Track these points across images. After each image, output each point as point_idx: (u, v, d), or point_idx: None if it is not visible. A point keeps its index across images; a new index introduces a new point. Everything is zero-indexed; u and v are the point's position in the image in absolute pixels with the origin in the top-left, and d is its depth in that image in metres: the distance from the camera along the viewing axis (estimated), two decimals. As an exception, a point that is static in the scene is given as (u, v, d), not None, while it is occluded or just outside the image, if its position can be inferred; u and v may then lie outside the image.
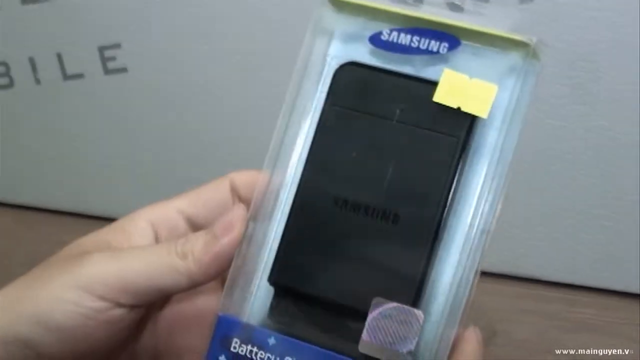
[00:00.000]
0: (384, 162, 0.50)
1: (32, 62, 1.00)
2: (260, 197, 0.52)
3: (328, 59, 0.52)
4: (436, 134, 0.49)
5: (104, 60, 0.97)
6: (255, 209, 0.52)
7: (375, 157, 0.50)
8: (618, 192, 0.85)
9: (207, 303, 0.56)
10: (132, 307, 0.51)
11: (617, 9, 0.79)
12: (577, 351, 0.82)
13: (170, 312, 0.57)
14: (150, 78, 0.96)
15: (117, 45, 0.96)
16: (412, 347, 0.48)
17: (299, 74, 0.51)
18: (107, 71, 0.97)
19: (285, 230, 0.51)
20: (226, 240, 0.51)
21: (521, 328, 0.85)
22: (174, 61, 0.95)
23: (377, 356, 0.48)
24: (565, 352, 0.83)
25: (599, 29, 0.80)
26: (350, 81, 0.51)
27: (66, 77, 0.99)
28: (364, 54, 0.51)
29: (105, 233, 0.54)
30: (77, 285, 0.50)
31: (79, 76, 0.99)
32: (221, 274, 0.52)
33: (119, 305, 0.50)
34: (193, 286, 0.52)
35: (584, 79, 0.82)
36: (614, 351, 0.82)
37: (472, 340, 0.49)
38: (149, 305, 0.54)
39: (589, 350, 0.82)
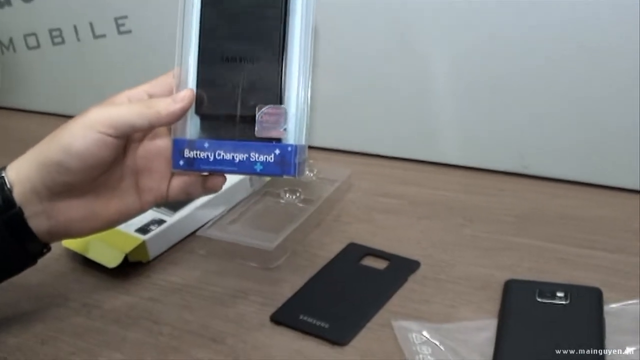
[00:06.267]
0: (243, 28, 0.59)
1: (75, 28, 1.18)
2: (178, 75, 0.61)
3: None
4: (269, 8, 0.59)
5: (118, 26, 1.14)
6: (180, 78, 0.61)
7: (236, 27, 0.59)
8: (429, 108, 0.97)
9: (164, 143, 0.63)
10: (117, 137, 0.58)
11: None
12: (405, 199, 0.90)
13: (144, 146, 0.64)
14: (145, 36, 1.14)
15: (125, 17, 1.14)
16: (285, 126, 0.58)
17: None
18: (120, 32, 1.15)
19: (198, 81, 0.60)
20: (179, 106, 0.59)
21: (366, 183, 0.94)
22: (160, 26, 1.10)
23: (267, 136, 0.58)
24: (393, 199, 0.90)
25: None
26: None
27: (95, 36, 1.17)
28: None
29: (105, 102, 0.61)
30: (85, 125, 0.58)
31: (103, 36, 1.17)
32: (170, 125, 0.61)
33: (109, 135, 0.57)
34: (152, 128, 0.60)
35: (407, 44, 0.94)
36: (429, 195, 0.90)
37: None
38: (130, 139, 0.62)
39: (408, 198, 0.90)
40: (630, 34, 0.81)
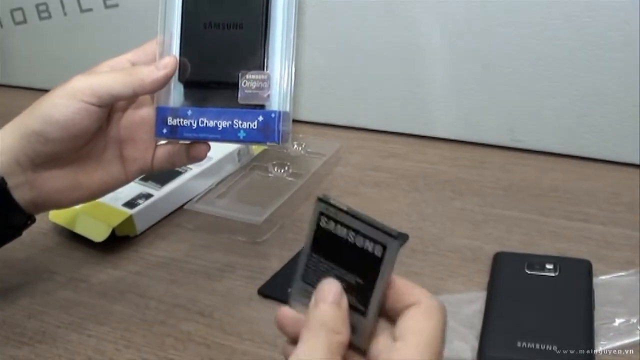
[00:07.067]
0: None
1: (62, 3, 1.16)
2: (161, 43, 0.60)
3: None
4: None
5: (104, 0, 1.12)
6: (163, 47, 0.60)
7: None
8: (418, 82, 0.94)
9: (147, 112, 0.62)
10: (100, 106, 0.57)
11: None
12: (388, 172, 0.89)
13: (127, 116, 0.63)
14: (132, 10, 1.11)
15: (112, -11, 1.11)
16: (269, 92, 0.57)
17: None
18: (107, 6, 1.12)
19: (181, 48, 0.59)
20: (162, 73, 0.58)
21: (355, 156, 0.93)
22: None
23: (250, 102, 0.57)
24: (382, 172, 0.89)
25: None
26: None
27: (82, 10, 1.15)
28: None
29: (87, 72, 0.60)
30: (66, 94, 0.56)
31: (90, 10, 1.14)
32: (153, 92, 0.60)
33: (91, 104, 0.56)
34: (134, 96, 0.59)
35: (395, 8, 0.93)
36: (418, 168, 0.89)
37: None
38: (113, 109, 0.62)
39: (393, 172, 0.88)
40: (622, 5, 0.80)
